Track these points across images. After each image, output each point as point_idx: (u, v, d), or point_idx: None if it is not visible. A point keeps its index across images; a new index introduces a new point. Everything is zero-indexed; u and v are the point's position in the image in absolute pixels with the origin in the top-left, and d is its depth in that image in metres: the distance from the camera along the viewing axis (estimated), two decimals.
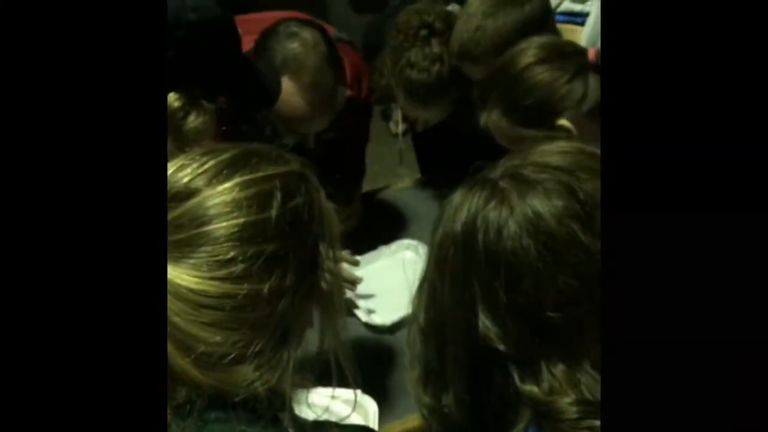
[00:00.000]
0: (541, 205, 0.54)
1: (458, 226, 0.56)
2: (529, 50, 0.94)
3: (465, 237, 0.56)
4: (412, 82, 1.21)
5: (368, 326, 1.13)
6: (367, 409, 0.95)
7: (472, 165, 0.61)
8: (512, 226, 0.54)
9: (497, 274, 0.53)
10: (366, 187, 1.52)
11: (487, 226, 0.55)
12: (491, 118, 0.96)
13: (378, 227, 1.35)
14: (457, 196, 0.59)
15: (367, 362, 1.03)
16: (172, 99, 0.84)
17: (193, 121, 0.86)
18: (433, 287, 0.58)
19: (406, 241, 1.29)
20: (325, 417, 0.67)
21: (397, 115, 2.01)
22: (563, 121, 0.91)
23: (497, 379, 0.53)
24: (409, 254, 1.27)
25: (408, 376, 0.61)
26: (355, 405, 0.67)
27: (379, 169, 1.56)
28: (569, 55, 0.94)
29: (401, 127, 1.70)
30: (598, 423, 0.49)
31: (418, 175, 1.65)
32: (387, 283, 1.20)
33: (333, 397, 0.66)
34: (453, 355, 0.56)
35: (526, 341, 0.52)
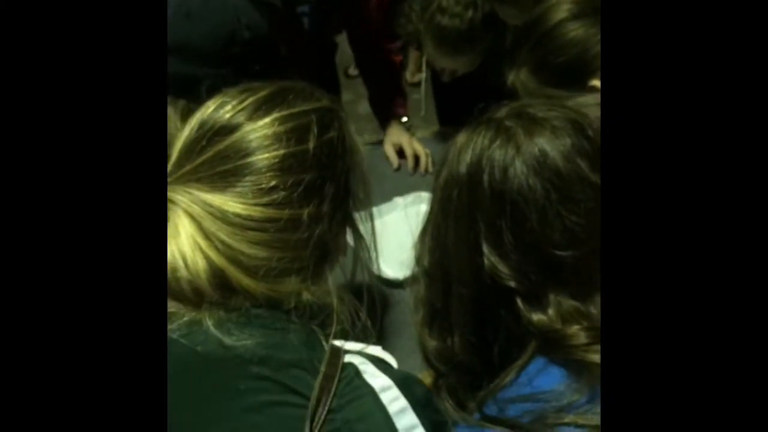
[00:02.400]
0: (548, 143, 0.54)
1: (463, 167, 0.57)
2: (562, 5, 0.92)
3: (470, 177, 0.56)
4: (442, 28, 1.19)
5: (380, 279, 1.15)
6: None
7: (477, 106, 0.61)
8: (518, 165, 0.54)
9: (503, 213, 0.54)
10: (381, 135, 1.52)
11: (493, 166, 0.55)
12: (519, 77, 0.94)
13: (394, 178, 1.36)
14: (461, 137, 0.59)
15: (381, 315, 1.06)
16: None
17: None
18: (437, 229, 0.59)
19: (423, 194, 1.30)
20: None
21: (417, 63, 1.99)
22: (596, 82, 0.88)
23: (504, 318, 0.55)
24: (424, 207, 1.27)
25: (413, 320, 0.62)
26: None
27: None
28: None
29: (424, 75, 1.69)
30: None
31: (434, 127, 1.64)
32: (401, 235, 1.20)
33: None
34: (458, 295, 0.57)
35: (533, 277, 0.54)
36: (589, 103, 0.72)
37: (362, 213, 0.70)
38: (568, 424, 0.46)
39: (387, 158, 1.44)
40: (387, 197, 1.29)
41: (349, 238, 0.69)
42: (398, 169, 1.42)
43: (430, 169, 1.41)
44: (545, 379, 0.51)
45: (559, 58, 0.89)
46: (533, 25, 0.93)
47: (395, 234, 1.22)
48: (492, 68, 1.23)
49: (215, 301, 0.57)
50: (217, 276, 0.56)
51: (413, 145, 1.41)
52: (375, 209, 1.20)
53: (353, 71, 2.48)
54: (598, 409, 0.47)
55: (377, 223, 1.15)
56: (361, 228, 0.70)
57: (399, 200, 1.30)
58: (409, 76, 2.74)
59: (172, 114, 0.87)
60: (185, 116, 0.82)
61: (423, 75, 1.55)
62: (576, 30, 0.89)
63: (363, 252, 0.70)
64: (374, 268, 1.16)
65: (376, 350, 0.72)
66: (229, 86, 0.65)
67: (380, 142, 1.49)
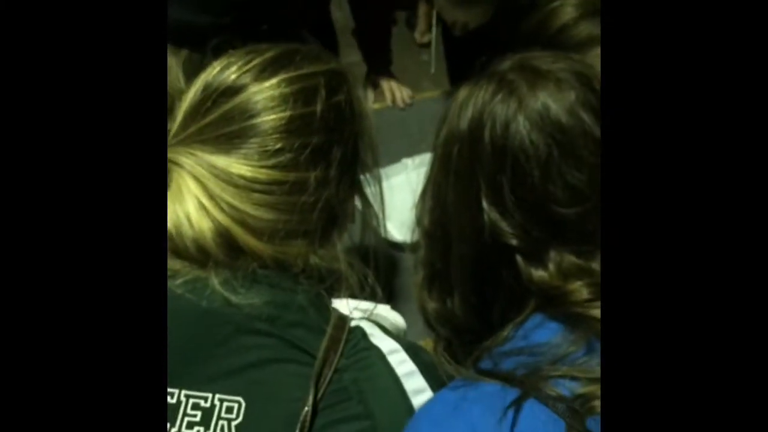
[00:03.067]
0: (551, 96, 0.54)
1: (464, 123, 0.57)
2: (566, 7, 0.90)
3: (471, 133, 0.56)
4: None
5: (388, 243, 1.15)
6: (396, 325, 0.99)
7: (480, 60, 0.60)
8: (521, 120, 0.54)
9: (504, 169, 0.54)
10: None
11: (495, 121, 0.55)
12: None
13: (402, 140, 1.35)
14: (462, 92, 0.59)
15: (389, 279, 1.07)
16: None
17: None
18: (437, 187, 0.59)
19: (430, 155, 1.29)
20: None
21: (427, 21, 1.96)
22: None
23: (504, 277, 0.55)
24: None
25: (413, 281, 0.63)
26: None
27: (403, 81, 1.55)
28: None
29: (435, 33, 1.67)
30: None
31: (444, 87, 1.63)
32: (409, 198, 1.21)
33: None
34: (458, 255, 0.57)
35: (535, 234, 0.54)
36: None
37: (370, 177, 0.70)
38: (563, 376, 0.47)
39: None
40: (395, 159, 1.29)
41: (358, 203, 0.70)
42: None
43: (407, 100, 1.51)
44: (542, 333, 0.51)
45: None
46: (539, 29, 0.92)
47: (403, 196, 1.22)
48: (503, 21, 1.21)
49: (221, 261, 0.57)
50: (223, 236, 0.57)
51: (392, 84, 1.52)
52: (382, 171, 1.21)
53: None
54: (594, 362, 0.47)
55: (384, 185, 1.17)
56: (369, 193, 0.70)
57: (407, 161, 1.29)
58: (418, 36, 2.70)
59: (173, 64, 0.86)
60: (186, 66, 0.82)
61: (433, 32, 1.52)
62: (583, 31, 0.87)
63: (371, 217, 0.70)
64: (382, 233, 1.18)
65: (385, 309, 0.73)
66: (235, 48, 0.65)
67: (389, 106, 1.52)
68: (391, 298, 1.07)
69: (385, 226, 1.15)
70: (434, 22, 1.55)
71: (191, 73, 0.67)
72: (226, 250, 0.57)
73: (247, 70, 0.61)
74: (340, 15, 1.59)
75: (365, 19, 1.55)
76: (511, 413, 0.45)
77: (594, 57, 0.87)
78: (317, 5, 1.49)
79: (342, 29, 1.64)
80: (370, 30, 1.56)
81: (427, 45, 2.52)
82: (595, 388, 0.46)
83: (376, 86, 1.56)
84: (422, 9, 2.54)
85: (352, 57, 1.62)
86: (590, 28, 0.88)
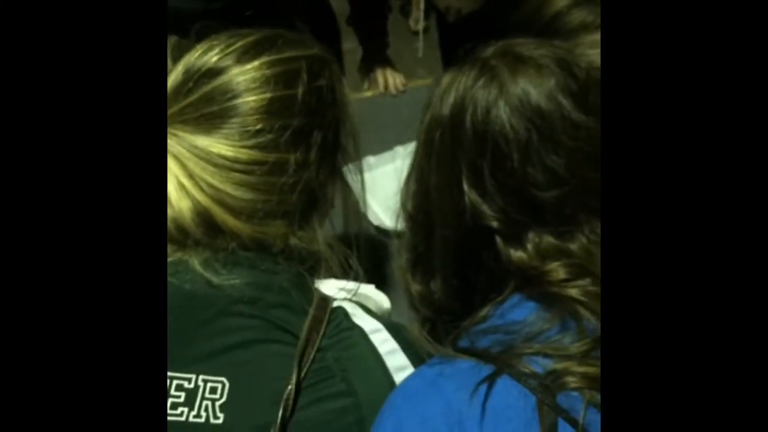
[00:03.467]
0: (530, 82, 0.55)
1: (446, 108, 0.58)
2: None
3: (452, 118, 0.57)
4: None
5: (379, 230, 1.17)
6: (381, 305, 1.00)
7: (463, 47, 0.61)
8: (501, 106, 0.55)
9: (484, 153, 0.55)
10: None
11: (476, 106, 0.56)
12: None
13: (396, 127, 1.37)
14: (446, 78, 0.60)
15: (378, 265, 1.08)
16: None
17: None
18: (420, 171, 0.60)
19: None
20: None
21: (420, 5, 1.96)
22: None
23: (485, 259, 0.57)
24: None
25: (396, 264, 0.65)
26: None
27: (398, 68, 1.56)
28: None
29: (422, 18, 1.68)
30: (587, 282, 0.52)
31: (437, 75, 1.64)
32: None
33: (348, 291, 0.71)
34: (440, 238, 0.59)
35: (514, 216, 0.55)
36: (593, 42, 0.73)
37: (351, 165, 0.71)
38: (536, 353, 0.48)
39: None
40: (388, 146, 1.30)
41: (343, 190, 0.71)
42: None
43: (400, 87, 1.53)
44: (518, 312, 0.53)
45: None
46: (533, 16, 0.93)
47: (393, 183, 1.23)
48: (497, 9, 1.22)
49: (200, 241, 0.59)
50: (202, 215, 0.58)
51: (386, 71, 1.55)
52: (374, 158, 1.23)
53: None
54: (567, 340, 0.49)
55: (377, 172, 1.18)
56: (350, 179, 0.71)
57: (400, 149, 1.31)
58: (413, 23, 2.70)
59: None
60: (176, 52, 0.83)
61: (421, 16, 1.54)
62: (576, 18, 0.88)
63: (353, 203, 0.72)
64: (364, 219, 1.19)
65: (369, 289, 0.74)
66: (218, 32, 0.65)
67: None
68: (381, 283, 1.09)
69: (376, 213, 1.18)
70: (421, 5, 1.56)
71: (180, 58, 0.68)
72: (204, 230, 0.58)
73: (229, 53, 0.62)
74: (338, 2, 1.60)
75: (361, 4, 1.56)
76: (483, 388, 0.47)
77: (587, 43, 0.88)
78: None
79: (341, 15, 1.65)
80: (366, 15, 1.57)
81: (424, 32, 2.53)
82: (567, 365, 0.47)
83: (370, 72, 1.57)
84: None
85: (349, 44, 1.63)
86: (583, 15, 0.89)
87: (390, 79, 1.54)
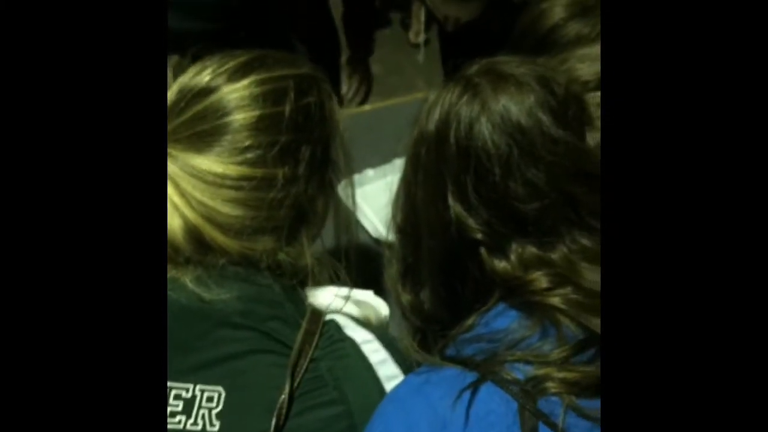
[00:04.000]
0: (512, 99, 0.58)
1: (432, 125, 0.61)
2: (555, 7, 0.93)
3: (438, 134, 0.60)
4: None
5: (378, 241, 1.19)
6: (379, 311, 1.02)
7: (448, 63, 0.64)
8: (483, 122, 0.58)
9: (468, 168, 0.58)
10: (385, 99, 1.56)
11: (459, 122, 0.59)
12: None
13: (393, 140, 1.39)
14: (432, 95, 0.63)
15: (373, 276, 1.10)
16: None
17: None
18: (408, 185, 0.63)
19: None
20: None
21: (420, 17, 1.99)
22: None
23: (470, 270, 0.59)
24: None
25: (387, 275, 0.67)
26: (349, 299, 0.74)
27: (397, 81, 1.59)
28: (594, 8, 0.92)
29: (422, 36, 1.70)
30: (568, 290, 0.54)
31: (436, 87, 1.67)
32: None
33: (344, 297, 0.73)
34: (427, 249, 0.61)
35: (497, 228, 0.57)
36: (592, 56, 0.75)
37: (345, 179, 0.73)
38: (517, 360, 0.51)
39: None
40: (386, 159, 1.32)
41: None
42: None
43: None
44: (501, 320, 0.55)
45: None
46: (530, 27, 0.95)
47: (389, 196, 1.26)
48: (495, 15, 1.25)
49: (191, 258, 0.61)
50: (192, 233, 0.60)
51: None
52: (372, 171, 1.25)
53: None
54: (547, 347, 0.51)
55: (376, 184, 1.20)
56: (342, 193, 0.73)
57: (398, 162, 1.33)
58: (413, 36, 2.73)
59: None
60: (177, 71, 0.86)
61: (422, 27, 1.57)
62: (571, 31, 0.91)
63: (342, 216, 0.74)
64: (358, 231, 1.21)
65: (367, 295, 0.75)
66: (212, 54, 0.68)
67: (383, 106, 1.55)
68: (380, 293, 1.10)
69: (374, 224, 1.20)
70: (422, 19, 1.60)
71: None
72: (195, 247, 0.61)
73: (221, 73, 0.64)
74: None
75: (351, 10, 1.60)
76: (467, 395, 0.49)
77: (576, 57, 0.90)
78: (310, 9, 1.53)
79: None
80: (356, 14, 1.60)
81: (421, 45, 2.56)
82: (548, 371, 0.49)
83: (352, 74, 1.61)
84: (416, 7, 2.57)
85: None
86: (579, 27, 0.92)
87: (352, 89, 1.59)
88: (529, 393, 0.48)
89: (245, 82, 0.64)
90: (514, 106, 0.57)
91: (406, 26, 2.77)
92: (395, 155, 1.35)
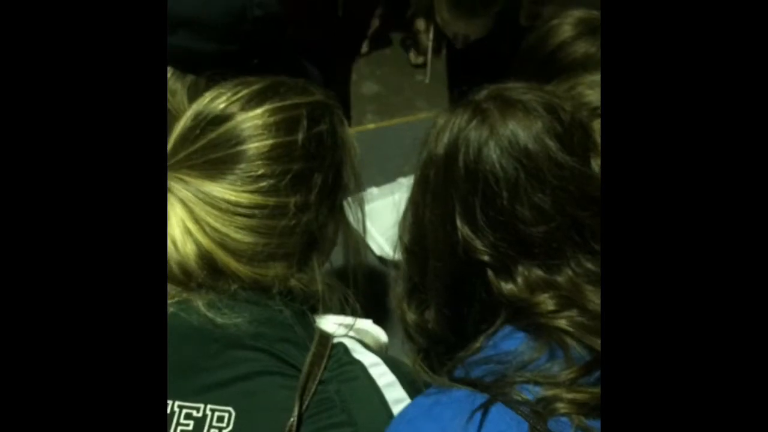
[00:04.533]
0: (520, 125, 0.59)
1: (441, 148, 0.62)
2: (563, 26, 0.96)
3: (446, 157, 0.62)
4: None
5: (382, 260, 1.20)
6: (378, 338, 1.03)
7: (456, 90, 0.66)
8: (492, 146, 0.59)
9: (476, 191, 0.59)
10: (385, 118, 1.57)
11: (468, 146, 0.60)
12: None
13: (398, 159, 1.41)
14: (441, 119, 0.64)
15: (379, 296, 1.11)
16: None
17: None
18: (416, 206, 0.64)
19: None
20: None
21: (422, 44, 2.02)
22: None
23: (477, 291, 0.60)
24: None
25: (393, 294, 0.68)
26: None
27: (398, 101, 1.61)
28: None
29: (430, 46, 1.72)
30: (574, 313, 0.56)
31: (437, 109, 1.70)
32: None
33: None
34: (434, 270, 0.62)
35: (504, 250, 0.59)
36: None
37: (353, 200, 0.74)
38: (527, 382, 0.52)
39: None
40: (391, 178, 1.34)
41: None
42: None
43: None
44: (509, 342, 0.56)
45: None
46: (536, 47, 0.97)
47: (395, 215, 1.27)
48: (503, 33, 1.27)
49: (204, 283, 0.62)
50: (205, 258, 0.62)
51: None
52: (377, 189, 1.27)
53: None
54: (555, 368, 0.52)
55: (380, 204, 1.21)
56: (351, 218, 0.74)
57: (403, 180, 1.35)
58: (412, 57, 2.77)
59: (179, 88, 0.92)
60: (192, 91, 0.87)
61: (429, 46, 1.59)
62: (579, 50, 0.93)
63: (352, 238, 0.75)
64: (365, 252, 1.23)
65: (367, 324, 0.77)
66: (227, 80, 0.69)
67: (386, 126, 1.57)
68: (382, 314, 1.11)
69: (378, 243, 1.21)
70: (432, 36, 1.62)
71: (196, 98, 0.71)
72: (208, 272, 0.62)
73: (235, 100, 0.66)
74: None
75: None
76: (478, 416, 0.50)
77: (586, 83, 0.91)
78: (322, 28, 1.54)
79: None
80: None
81: (422, 66, 2.59)
82: (557, 392, 0.50)
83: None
84: (419, 25, 2.61)
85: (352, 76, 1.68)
86: (586, 47, 0.94)
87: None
88: (539, 413, 0.49)
89: (259, 111, 0.65)
90: (522, 131, 0.59)
91: (407, 47, 2.81)
92: (399, 174, 1.37)
